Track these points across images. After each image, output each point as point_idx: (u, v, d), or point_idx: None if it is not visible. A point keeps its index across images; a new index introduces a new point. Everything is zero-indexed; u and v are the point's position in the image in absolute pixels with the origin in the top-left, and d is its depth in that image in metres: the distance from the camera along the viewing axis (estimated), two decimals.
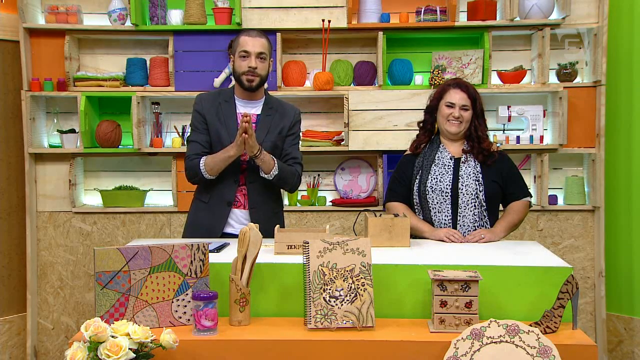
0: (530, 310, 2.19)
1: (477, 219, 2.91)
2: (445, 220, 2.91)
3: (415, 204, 2.99)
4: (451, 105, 2.95)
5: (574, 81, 4.07)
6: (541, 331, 2.01)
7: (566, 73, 4.06)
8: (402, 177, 3.03)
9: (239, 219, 3.01)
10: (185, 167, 3.00)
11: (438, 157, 2.98)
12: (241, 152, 2.86)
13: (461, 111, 2.94)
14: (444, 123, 2.98)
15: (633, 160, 3.98)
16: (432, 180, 2.93)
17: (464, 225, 2.90)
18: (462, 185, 2.91)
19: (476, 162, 2.94)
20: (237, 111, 3.01)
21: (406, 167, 3.03)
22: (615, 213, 4.05)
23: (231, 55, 3.02)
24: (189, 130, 3.14)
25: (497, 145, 3.07)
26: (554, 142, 4.05)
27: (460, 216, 2.90)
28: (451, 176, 2.93)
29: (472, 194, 2.90)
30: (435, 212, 2.93)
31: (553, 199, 4.08)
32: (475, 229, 2.89)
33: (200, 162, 2.93)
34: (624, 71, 4.01)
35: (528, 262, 2.34)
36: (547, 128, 4.14)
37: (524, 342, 1.93)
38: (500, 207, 3.04)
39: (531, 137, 4.05)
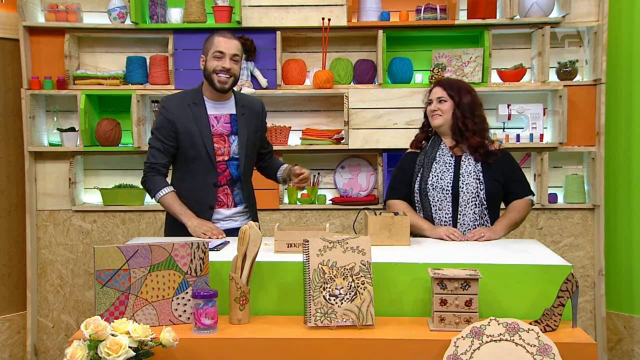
0: (530, 309, 2.19)
1: (478, 217, 2.91)
2: (445, 218, 2.91)
3: (416, 201, 2.99)
4: (431, 102, 3.02)
5: (574, 79, 4.07)
6: (541, 329, 2.01)
7: (566, 71, 4.06)
8: (403, 175, 3.04)
9: (224, 218, 3.02)
10: (144, 178, 2.97)
11: (439, 154, 2.98)
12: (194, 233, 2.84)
13: (438, 104, 2.98)
14: (430, 120, 3.03)
15: (633, 158, 3.98)
16: (433, 178, 2.94)
17: (464, 224, 2.90)
18: (463, 183, 2.91)
19: (477, 161, 2.95)
20: (208, 112, 2.99)
21: (408, 165, 3.04)
22: (615, 211, 4.05)
23: (202, 56, 2.97)
24: (151, 133, 3.05)
25: (498, 142, 3.07)
26: (553, 140, 4.05)
27: (460, 214, 2.90)
28: (452, 174, 2.93)
29: (472, 192, 2.90)
30: (435, 210, 2.93)
31: (553, 198, 4.08)
32: (476, 227, 2.89)
33: (162, 192, 2.90)
34: (624, 69, 4.01)
35: (528, 260, 2.34)
36: (547, 126, 4.14)
37: (523, 341, 1.93)
38: (503, 206, 3.04)
39: (531, 135, 4.05)
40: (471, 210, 2.90)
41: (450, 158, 2.97)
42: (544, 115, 4.09)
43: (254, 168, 3.21)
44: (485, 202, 2.90)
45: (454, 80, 3.07)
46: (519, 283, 2.23)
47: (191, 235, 2.82)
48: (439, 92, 3.00)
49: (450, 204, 2.91)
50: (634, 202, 3.97)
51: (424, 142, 3.08)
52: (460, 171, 2.93)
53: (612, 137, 4.05)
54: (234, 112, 3.03)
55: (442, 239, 2.81)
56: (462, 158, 2.96)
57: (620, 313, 4.03)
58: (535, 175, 4.11)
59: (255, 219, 3.12)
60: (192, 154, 2.96)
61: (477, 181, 2.91)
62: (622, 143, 4.03)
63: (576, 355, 1.98)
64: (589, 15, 4.00)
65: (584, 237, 4.07)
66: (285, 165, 3.18)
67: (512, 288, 2.23)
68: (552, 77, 4.09)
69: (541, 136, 4.06)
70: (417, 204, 2.99)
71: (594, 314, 4.06)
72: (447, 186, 2.91)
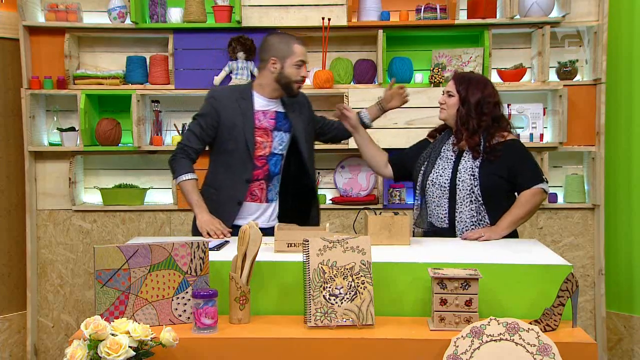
0: (530, 308, 2.19)
1: (475, 214, 2.86)
2: (443, 215, 2.90)
3: (416, 196, 3.04)
4: (443, 94, 3.02)
5: (574, 79, 4.07)
6: (541, 329, 2.01)
7: (566, 71, 4.06)
8: (410, 149, 3.16)
9: (254, 213, 3.03)
10: (173, 157, 2.99)
11: (444, 149, 2.98)
12: (199, 227, 2.85)
13: (446, 98, 2.97)
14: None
15: (633, 158, 3.98)
16: (433, 174, 2.94)
17: (462, 221, 2.87)
18: (459, 180, 2.88)
19: (475, 158, 2.91)
20: (256, 108, 3.01)
21: (418, 147, 3.12)
22: (615, 211, 4.05)
23: (274, 59, 2.95)
24: (192, 118, 3.06)
25: (513, 133, 3.02)
26: (553, 140, 4.05)
27: (457, 211, 2.88)
28: (450, 171, 2.92)
29: (467, 189, 2.86)
30: (435, 206, 2.93)
31: (553, 197, 4.08)
32: (473, 224, 2.87)
33: (184, 176, 2.92)
34: (624, 69, 4.01)
35: (528, 260, 2.34)
36: (547, 126, 4.14)
37: (523, 340, 1.93)
38: None
39: (531, 135, 4.05)
40: (467, 207, 2.87)
41: (453, 154, 2.95)
42: (544, 115, 4.08)
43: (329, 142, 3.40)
44: (480, 199, 2.86)
45: (468, 75, 3.02)
46: (519, 283, 2.23)
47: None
48: (450, 85, 2.98)
49: (447, 200, 2.90)
50: (634, 202, 3.98)
51: (443, 133, 3.08)
52: (459, 167, 2.91)
53: (612, 137, 4.04)
54: (281, 109, 3.06)
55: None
56: (464, 154, 2.94)
57: (620, 313, 4.03)
58: None
59: (294, 221, 2.80)
60: (231, 146, 2.97)
61: (472, 177, 2.86)
62: (622, 143, 4.02)
63: (576, 355, 1.98)
64: (589, 15, 4.00)
65: (584, 236, 4.07)
66: (365, 109, 3.27)
67: (512, 288, 2.23)
68: (552, 76, 4.09)
69: (541, 136, 4.06)
70: (417, 199, 3.03)
71: (594, 313, 4.06)
72: (445, 183, 2.90)
